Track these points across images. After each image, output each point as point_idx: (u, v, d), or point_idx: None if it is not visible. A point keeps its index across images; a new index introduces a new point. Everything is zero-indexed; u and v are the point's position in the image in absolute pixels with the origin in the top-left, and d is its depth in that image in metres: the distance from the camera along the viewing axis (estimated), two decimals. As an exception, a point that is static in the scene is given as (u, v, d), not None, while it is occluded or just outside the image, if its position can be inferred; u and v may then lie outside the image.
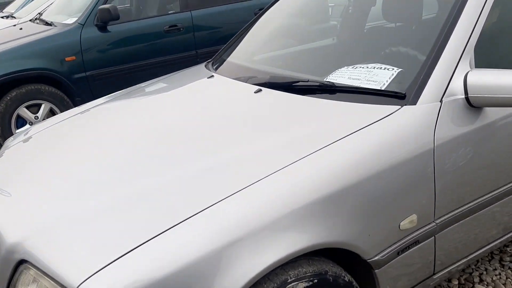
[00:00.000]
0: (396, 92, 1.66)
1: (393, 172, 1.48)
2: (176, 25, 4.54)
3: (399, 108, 1.60)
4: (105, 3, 4.30)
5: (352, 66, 1.96)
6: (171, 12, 4.61)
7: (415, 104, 1.60)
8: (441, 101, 1.62)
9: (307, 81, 1.87)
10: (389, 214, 1.49)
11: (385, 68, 1.87)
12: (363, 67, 1.93)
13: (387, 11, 2.38)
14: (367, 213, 1.44)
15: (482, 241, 1.88)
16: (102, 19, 4.20)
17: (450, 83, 1.64)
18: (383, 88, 1.74)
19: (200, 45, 4.65)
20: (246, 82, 2.03)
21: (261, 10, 2.73)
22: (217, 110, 1.86)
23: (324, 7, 3.15)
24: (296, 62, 2.32)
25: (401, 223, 1.52)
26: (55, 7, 4.94)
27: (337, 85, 1.80)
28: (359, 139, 1.49)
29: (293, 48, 2.64)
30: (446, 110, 1.61)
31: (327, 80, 1.89)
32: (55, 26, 4.39)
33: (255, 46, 2.59)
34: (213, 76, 2.22)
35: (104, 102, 2.36)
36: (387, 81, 1.79)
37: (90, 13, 4.25)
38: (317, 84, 1.85)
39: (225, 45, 2.73)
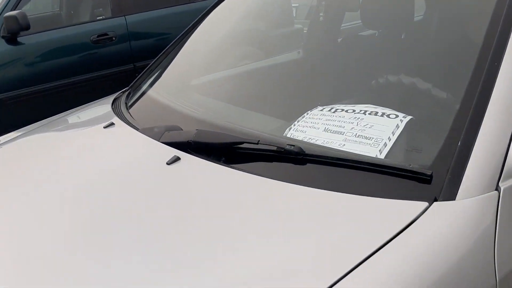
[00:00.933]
0: (414, 172, 0.91)
1: None
2: (106, 34, 3.71)
3: (427, 208, 0.85)
4: (14, 9, 3.43)
5: (330, 107, 1.22)
6: (100, 18, 3.77)
7: (453, 198, 0.85)
8: (497, 188, 0.87)
9: (257, 143, 1.09)
10: None
11: (383, 114, 1.14)
12: (347, 110, 1.19)
13: (368, 19, 1.66)
14: None
15: None
16: (9, 30, 3.34)
17: (509, 154, 0.90)
18: (383, 154, 1.00)
19: (139, 57, 3.83)
20: (158, 140, 1.23)
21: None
22: (91, 204, 1.04)
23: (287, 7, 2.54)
24: (245, 98, 1.54)
25: None
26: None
27: (306, 151, 1.03)
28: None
29: (244, 67, 1.91)
30: (508, 204, 0.87)
31: (290, 135, 1.14)
32: (-50, 40, 3.50)
33: (187, 69, 1.82)
34: (113, 124, 1.41)
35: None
36: (389, 138, 1.07)
37: (-6, 23, 3.37)
38: (274, 149, 1.07)
39: (147, 67, 1.95)
